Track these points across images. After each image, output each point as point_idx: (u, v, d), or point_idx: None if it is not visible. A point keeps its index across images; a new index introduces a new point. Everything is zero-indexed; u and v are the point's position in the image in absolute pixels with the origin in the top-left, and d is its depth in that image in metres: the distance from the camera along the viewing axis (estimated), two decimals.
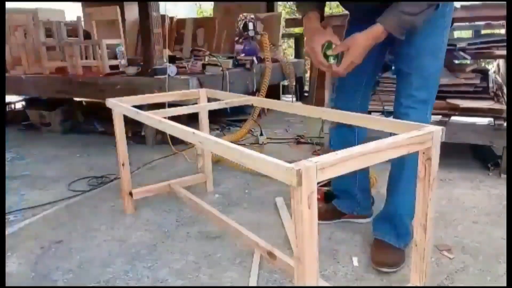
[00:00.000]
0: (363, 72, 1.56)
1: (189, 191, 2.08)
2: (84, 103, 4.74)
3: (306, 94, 5.48)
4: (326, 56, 1.40)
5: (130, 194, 2.06)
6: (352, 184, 1.81)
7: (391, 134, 1.36)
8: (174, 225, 1.94)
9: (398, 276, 1.48)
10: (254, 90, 3.95)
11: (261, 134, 3.41)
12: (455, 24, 3.31)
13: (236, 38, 4.71)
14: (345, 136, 1.71)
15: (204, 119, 2.18)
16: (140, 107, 1.88)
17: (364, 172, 1.79)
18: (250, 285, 1.45)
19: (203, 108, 2.06)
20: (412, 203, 1.55)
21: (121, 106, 1.84)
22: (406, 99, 1.48)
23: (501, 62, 3.86)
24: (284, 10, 8.73)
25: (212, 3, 6.22)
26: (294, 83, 4.81)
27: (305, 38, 1.47)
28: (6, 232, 1.92)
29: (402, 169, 1.52)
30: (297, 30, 6.49)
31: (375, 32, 1.31)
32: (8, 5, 4.13)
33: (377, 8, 1.38)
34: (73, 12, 5.13)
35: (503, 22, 3.43)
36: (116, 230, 1.92)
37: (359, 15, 1.61)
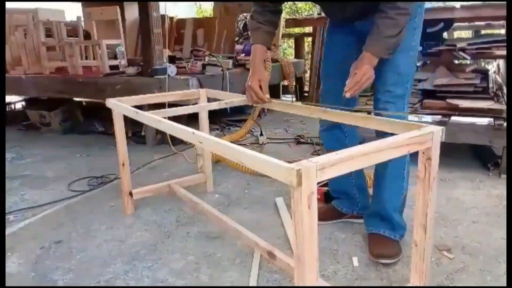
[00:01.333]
0: (345, 72, 1.59)
1: (189, 191, 2.08)
2: (84, 103, 4.74)
3: (306, 94, 5.49)
4: None
5: (130, 194, 2.06)
6: (349, 185, 1.82)
7: (377, 133, 1.38)
8: (174, 225, 1.94)
9: (398, 276, 1.48)
10: None
11: (261, 134, 3.41)
12: (455, 24, 3.31)
13: (236, 38, 4.72)
14: (336, 137, 1.74)
15: (204, 119, 2.18)
16: (140, 107, 1.88)
17: (359, 172, 1.81)
18: (250, 285, 1.45)
19: (203, 108, 2.06)
20: (398, 198, 1.60)
21: (121, 106, 1.84)
22: (383, 95, 1.54)
23: (501, 62, 3.87)
24: (284, 10, 8.72)
25: (212, 3, 6.22)
26: (294, 83, 4.80)
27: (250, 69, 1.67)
28: (6, 232, 1.92)
29: (386, 167, 1.57)
30: (297, 30, 6.49)
31: (367, 59, 1.38)
32: (8, 5, 4.13)
33: (356, 14, 1.48)
34: (73, 12, 5.12)
35: (503, 22, 3.44)
36: (116, 230, 1.92)
37: (338, 19, 1.65)
